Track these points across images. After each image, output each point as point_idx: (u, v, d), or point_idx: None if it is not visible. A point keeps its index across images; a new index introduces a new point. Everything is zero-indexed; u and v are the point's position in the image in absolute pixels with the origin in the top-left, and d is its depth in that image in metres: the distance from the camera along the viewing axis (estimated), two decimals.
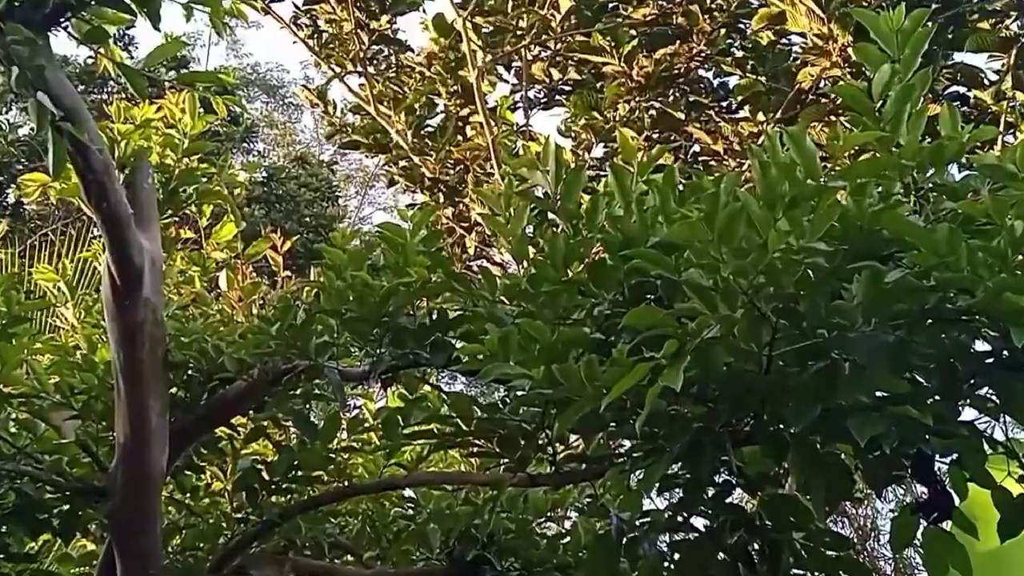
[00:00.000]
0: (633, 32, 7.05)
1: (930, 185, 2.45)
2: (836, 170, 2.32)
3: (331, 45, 8.87)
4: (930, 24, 2.44)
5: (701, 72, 7.65)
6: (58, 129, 2.60)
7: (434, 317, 3.01)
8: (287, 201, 18.85)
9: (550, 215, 3.00)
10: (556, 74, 8.28)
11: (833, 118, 6.48)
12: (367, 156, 11.30)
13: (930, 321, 2.19)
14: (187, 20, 2.65)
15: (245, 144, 20.95)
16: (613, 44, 7.02)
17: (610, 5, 7.08)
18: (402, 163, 8.89)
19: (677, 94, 7.49)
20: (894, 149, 2.41)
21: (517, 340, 2.50)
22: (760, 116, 6.94)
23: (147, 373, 3.10)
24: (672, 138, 7.74)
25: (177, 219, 3.70)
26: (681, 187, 2.63)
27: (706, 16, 7.13)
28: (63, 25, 2.68)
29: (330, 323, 3.06)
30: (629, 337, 2.38)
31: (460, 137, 8.38)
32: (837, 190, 2.15)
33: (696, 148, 7.80)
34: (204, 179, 3.64)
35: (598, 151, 7.44)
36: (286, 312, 2.92)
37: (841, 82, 6.38)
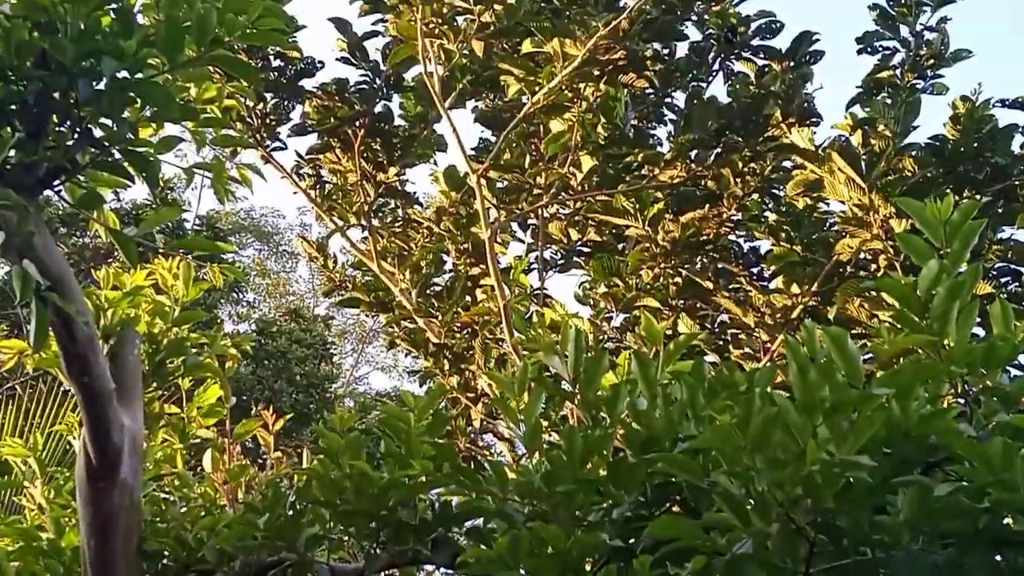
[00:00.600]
0: (659, 194, 7.19)
1: (980, 388, 2.47)
2: (879, 371, 2.34)
3: (335, 196, 9.03)
4: (982, 217, 2.50)
5: (731, 238, 7.78)
6: (43, 299, 2.65)
7: (437, 510, 3.01)
8: (277, 357, 18.97)
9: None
10: (575, 235, 8.43)
11: (873, 294, 6.54)
12: (367, 315, 11.45)
13: (983, 541, 2.18)
14: (187, 185, 2.70)
15: (234, 294, 21.16)
16: (637, 206, 7.15)
17: (634, 165, 7.23)
18: (405, 324, 8.96)
19: (705, 261, 7.59)
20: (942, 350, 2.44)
21: (528, 544, 2.50)
22: (795, 288, 7.01)
23: (119, 563, 3.09)
24: (699, 307, 7.81)
25: (163, 392, 3.73)
26: (711, 377, 2.66)
27: (737, 180, 7.28)
28: (56, 189, 2.75)
29: (323, 514, 3.06)
30: (651, 544, 2.39)
31: (469, 299, 8.47)
32: (880, 397, 2.17)
33: (724, 318, 7.87)
34: (195, 350, 3.70)
35: (618, 320, 7.51)
36: (276, 501, 2.92)
37: (883, 257, 6.50)
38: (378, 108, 8.34)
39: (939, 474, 2.27)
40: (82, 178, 2.88)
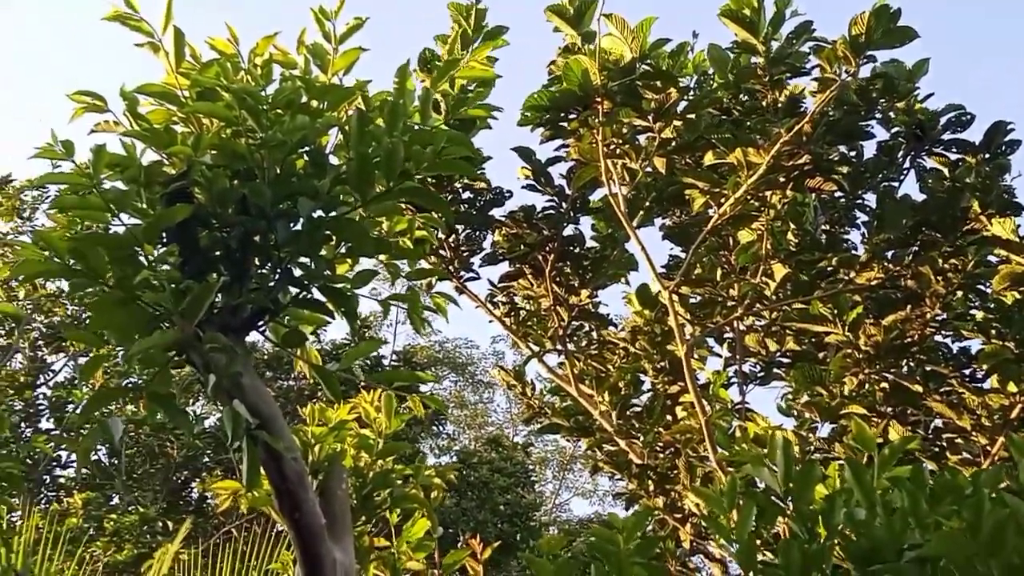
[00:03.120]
0: (857, 298, 7.01)
1: None
2: None
3: (529, 322, 9.09)
4: None
5: (938, 339, 7.51)
6: (253, 438, 2.71)
7: None
8: (479, 488, 19.05)
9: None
10: (772, 346, 8.26)
11: None
12: (568, 440, 11.42)
13: None
14: (384, 319, 2.75)
15: (434, 427, 21.43)
16: (835, 312, 6.98)
17: (829, 270, 7.08)
18: (607, 447, 8.88)
19: (912, 364, 7.33)
20: None
21: None
22: (1011, 387, 6.70)
23: None
24: (910, 413, 7.53)
25: (372, 528, 3.76)
26: (933, 482, 2.54)
27: (939, 277, 7.05)
28: (260, 329, 2.83)
29: None
30: None
31: (669, 418, 8.36)
32: None
33: (938, 423, 7.56)
34: (400, 481, 3.73)
35: (824, 430, 7.28)
36: None
37: None
38: (567, 232, 8.41)
39: None
40: (286, 317, 2.96)
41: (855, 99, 6.64)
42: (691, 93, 6.93)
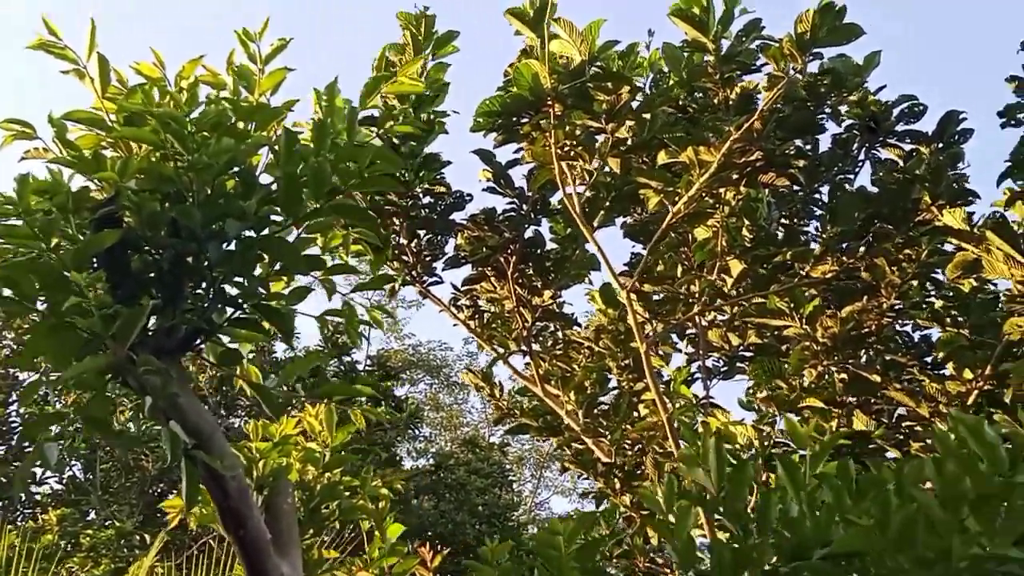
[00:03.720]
0: (813, 291, 7.08)
1: None
2: None
3: (493, 325, 9.13)
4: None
5: (898, 328, 7.58)
6: (191, 458, 2.74)
7: None
8: (457, 490, 19.08)
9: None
10: (735, 340, 8.32)
11: None
12: (539, 440, 11.49)
13: None
14: (321, 332, 2.78)
15: (411, 430, 21.44)
16: (792, 306, 7.05)
17: (785, 264, 7.14)
18: (576, 446, 8.93)
19: (871, 354, 7.40)
20: None
21: None
22: (967, 373, 6.78)
23: None
24: (873, 402, 7.60)
25: (324, 540, 3.80)
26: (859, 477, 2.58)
27: (894, 268, 7.12)
28: (196, 349, 2.86)
29: None
30: None
31: (635, 414, 8.40)
32: None
33: (902, 411, 7.63)
34: (348, 493, 3.76)
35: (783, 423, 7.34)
36: None
37: None
38: (528, 234, 8.45)
39: None
40: (225, 336, 2.99)
41: (804, 95, 6.70)
42: (647, 92, 6.97)
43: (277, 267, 2.93)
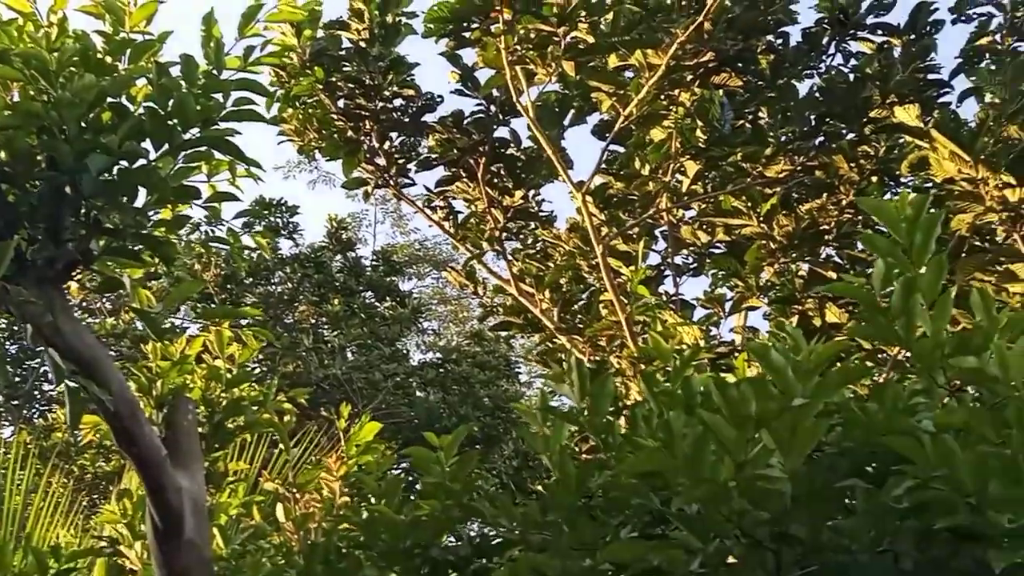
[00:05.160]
0: (769, 190, 7.13)
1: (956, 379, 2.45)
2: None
3: (467, 225, 9.23)
4: (940, 208, 2.48)
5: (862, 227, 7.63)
6: (73, 383, 2.88)
7: (476, 544, 3.12)
8: (462, 383, 19.32)
9: None
10: (704, 237, 8.40)
11: (998, 267, 6.35)
12: (523, 336, 11.64)
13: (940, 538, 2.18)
14: (198, 258, 2.89)
15: (416, 324, 21.66)
16: (750, 205, 7.11)
17: (741, 164, 7.18)
18: (549, 344, 9.07)
19: (831, 251, 7.48)
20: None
21: (527, 573, 2.59)
22: None
23: None
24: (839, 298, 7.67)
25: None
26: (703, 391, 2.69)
27: (852, 165, 7.16)
28: (75, 278, 2.98)
29: (373, 556, 3.20)
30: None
31: (605, 312, 8.52)
32: (816, 405, 2.18)
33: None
34: (255, 408, 3.90)
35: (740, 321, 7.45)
36: (313, 548, 3.08)
37: (1000, 229, 6.32)
38: (497, 135, 8.50)
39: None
40: (111, 264, 3.10)
41: None
42: None
43: (155, 197, 3.03)
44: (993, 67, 6.42)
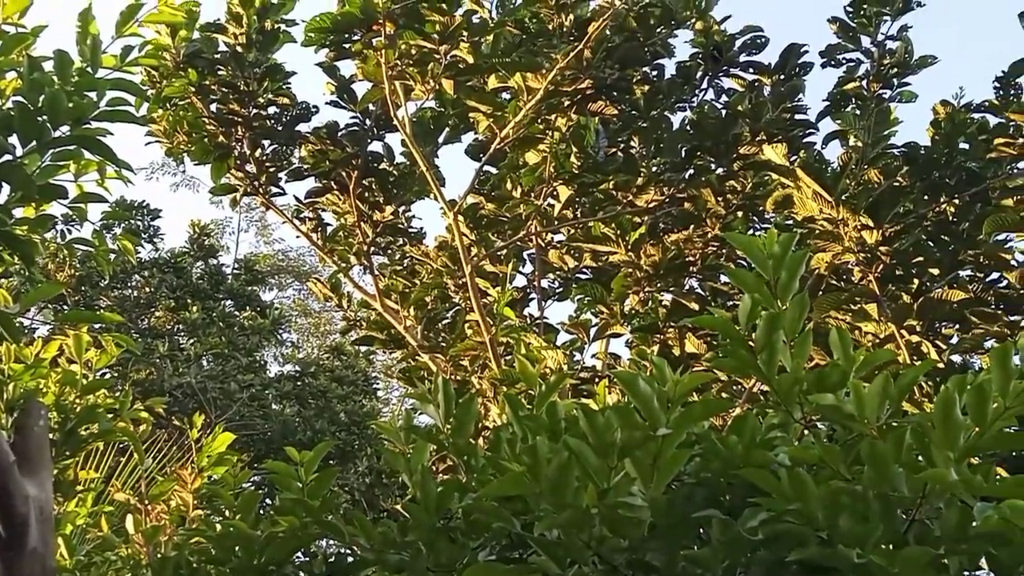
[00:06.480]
0: (638, 219, 7.25)
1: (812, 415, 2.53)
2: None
3: (336, 238, 9.19)
4: (801, 247, 2.57)
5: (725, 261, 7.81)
6: None
7: (331, 564, 3.11)
8: (318, 397, 19.15)
9: None
10: (571, 262, 8.50)
11: (853, 306, 6.57)
12: (384, 352, 11.64)
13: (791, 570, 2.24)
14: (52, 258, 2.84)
15: (276, 336, 21.40)
16: (619, 232, 7.22)
17: (612, 192, 7.29)
18: (418, 359, 9.06)
19: (694, 283, 7.64)
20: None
21: None
22: None
23: None
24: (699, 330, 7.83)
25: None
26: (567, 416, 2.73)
27: (719, 199, 7.33)
28: None
29: (225, 572, 3.16)
30: None
31: (469, 331, 8.56)
32: (680, 435, 2.24)
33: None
34: (110, 416, 3.82)
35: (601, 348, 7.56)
36: (163, 563, 3.03)
37: (857, 269, 6.54)
38: (371, 148, 8.49)
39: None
40: None
41: (634, 25, 6.81)
42: (491, 13, 7.02)
43: (19, 195, 2.96)
44: (858, 112, 6.64)
